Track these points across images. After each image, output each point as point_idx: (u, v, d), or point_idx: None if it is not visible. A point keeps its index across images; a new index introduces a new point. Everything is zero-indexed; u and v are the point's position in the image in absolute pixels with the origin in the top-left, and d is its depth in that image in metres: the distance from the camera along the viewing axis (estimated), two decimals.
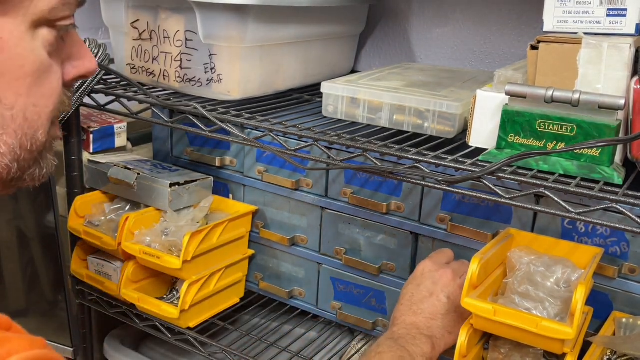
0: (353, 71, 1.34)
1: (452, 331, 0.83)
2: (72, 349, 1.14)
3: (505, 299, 0.80)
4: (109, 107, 1.09)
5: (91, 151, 1.19)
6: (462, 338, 0.78)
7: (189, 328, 1.09)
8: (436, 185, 0.78)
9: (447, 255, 0.91)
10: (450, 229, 0.94)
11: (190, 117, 0.98)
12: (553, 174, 0.74)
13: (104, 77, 1.10)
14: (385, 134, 0.91)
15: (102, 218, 1.15)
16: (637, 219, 0.67)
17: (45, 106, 0.53)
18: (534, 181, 0.72)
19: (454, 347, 0.79)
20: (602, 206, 0.68)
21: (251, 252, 1.16)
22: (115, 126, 1.21)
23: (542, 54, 0.78)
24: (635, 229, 0.67)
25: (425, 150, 0.83)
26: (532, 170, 0.75)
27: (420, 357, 0.77)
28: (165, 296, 1.16)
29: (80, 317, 1.25)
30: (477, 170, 0.74)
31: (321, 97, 0.99)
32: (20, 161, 0.54)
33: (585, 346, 0.79)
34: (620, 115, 0.74)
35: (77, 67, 0.58)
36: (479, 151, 0.82)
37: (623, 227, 0.67)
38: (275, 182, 1.09)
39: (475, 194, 0.78)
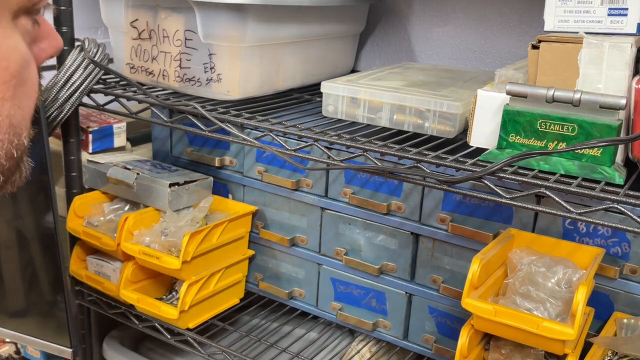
0: (353, 71, 1.33)
1: None
2: (71, 350, 1.14)
3: (506, 300, 0.80)
4: (108, 106, 1.09)
5: (90, 151, 1.19)
6: (463, 339, 0.78)
7: (188, 329, 1.08)
8: (436, 185, 0.78)
9: None
10: (451, 229, 0.94)
11: (190, 117, 0.98)
12: (554, 174, 0.74)
13: (103, 77, 1.10)
14: (385, 133, 0.91)
15: (101, 218, 1.14)
16: (638, 219, 0.66)
17: (28, 106, 0.47)
18: (535, 181, 0.71)
19: (455, 348, 0.79)
20: (603, 206, 0.68)
21: (251, 252, 1.16)
22: (115, 126, 1.21)
23: (543, 54, 0.78)
24: (636, 229, 0.67)
25: (426, 150, 0.82)
26: (533, 170, 0.75)
27: None
28: (164, 297, 1.16)
29: (80, 318, 1.25)
30: (478, 170, 0.74)
31: (321, 97, 0.99)
32: (5, 171, 0.47)
33: (587, 347, 0.79)
34: (622, 115, 0.74)
35: (45, 49, 0.50)
36: (479, 151, 0.82)
37: (624, 227, 0.67)
38: (275, 182, 1.09)
39: (475, 194, 0.77)
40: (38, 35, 0.50)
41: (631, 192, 0.69)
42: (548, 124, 0.75)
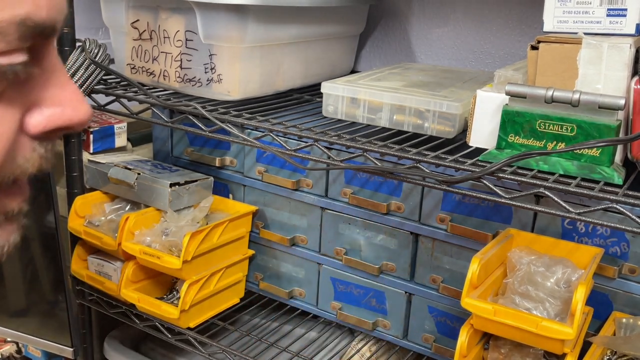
0: (353, 71, 1.34)
1: None
2: (72, 349, 1.14)
3: (506, 299, 0.80)
4: (109, 107, 1.09)
5: (91, 151, 1.19)
6: (463, 338, 0.78)
7: (189, 328, 1.09)
8: (436, 185, 0.78)
9: None
10: (450, 229, 0.94)
11: (190, 117, 0.98)
12: (553, 174, 0.74)
13: (104, 77, 1.10)
14: (385, 134, 0.91)
15: (102, 218, 1.15)
16: (637, 219, 0.66)
17: None
18: (534, 181, 0.72)
19: (454, 347, 0.79)
20: (602, 206, 0.68)
21: (251, 252, 1.16)
22: (116, 126, 1.21)
23: (542, 54, 0.78)
24: (635, 229, 0.67)
25: (425, 150, 0.83)
26: (532, 170, 0.75)
27: None
28: (165, 296, 1.16)
29: (80, 317, 1.25)
30: (477, 170, 0.74)
31: (321, 97, 0.99)
32: None
33: (586, 346, 0.79)
34: (621, 115, 0.74)
35: (50, 116, 0.40)
36: (479, 151, 0.82)
37: (623, 227, 0.67)
38: (275, 182, 1.09)
39: (475, 194, 0.78)
40: (45, 98, 0.41)
41: (630, 192, 0.69)
42: (547, 124, 0.75)
